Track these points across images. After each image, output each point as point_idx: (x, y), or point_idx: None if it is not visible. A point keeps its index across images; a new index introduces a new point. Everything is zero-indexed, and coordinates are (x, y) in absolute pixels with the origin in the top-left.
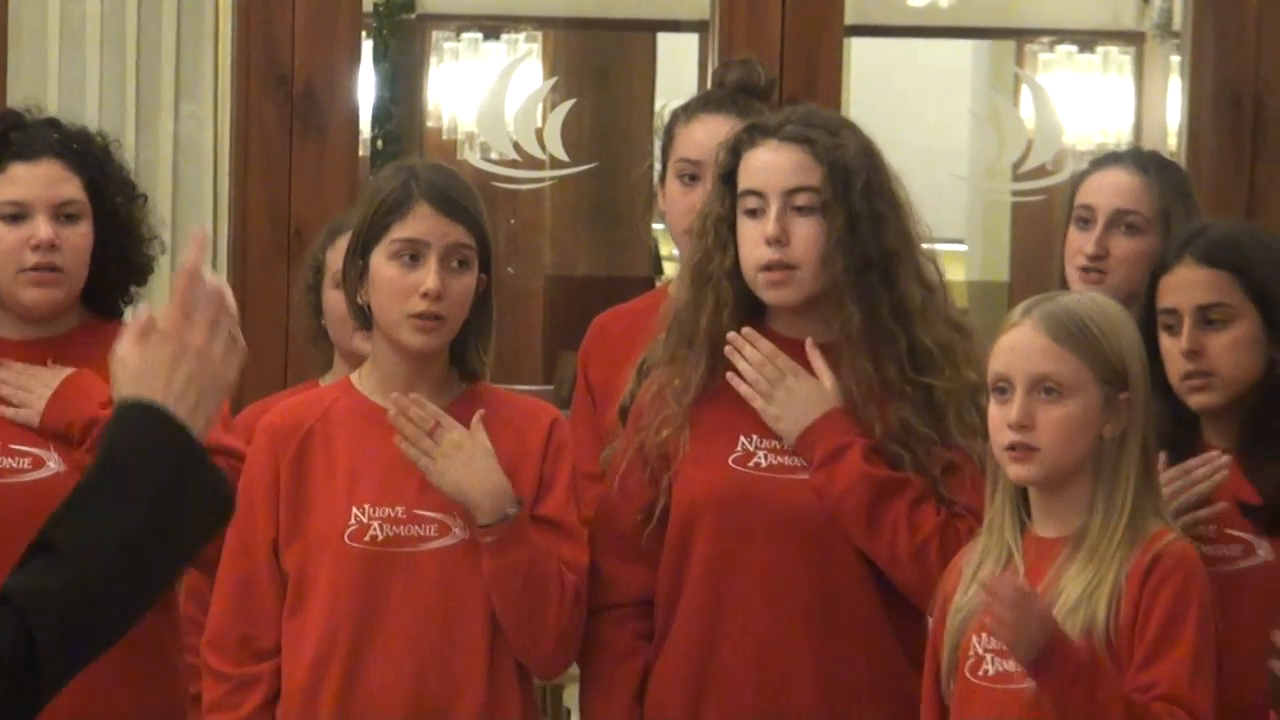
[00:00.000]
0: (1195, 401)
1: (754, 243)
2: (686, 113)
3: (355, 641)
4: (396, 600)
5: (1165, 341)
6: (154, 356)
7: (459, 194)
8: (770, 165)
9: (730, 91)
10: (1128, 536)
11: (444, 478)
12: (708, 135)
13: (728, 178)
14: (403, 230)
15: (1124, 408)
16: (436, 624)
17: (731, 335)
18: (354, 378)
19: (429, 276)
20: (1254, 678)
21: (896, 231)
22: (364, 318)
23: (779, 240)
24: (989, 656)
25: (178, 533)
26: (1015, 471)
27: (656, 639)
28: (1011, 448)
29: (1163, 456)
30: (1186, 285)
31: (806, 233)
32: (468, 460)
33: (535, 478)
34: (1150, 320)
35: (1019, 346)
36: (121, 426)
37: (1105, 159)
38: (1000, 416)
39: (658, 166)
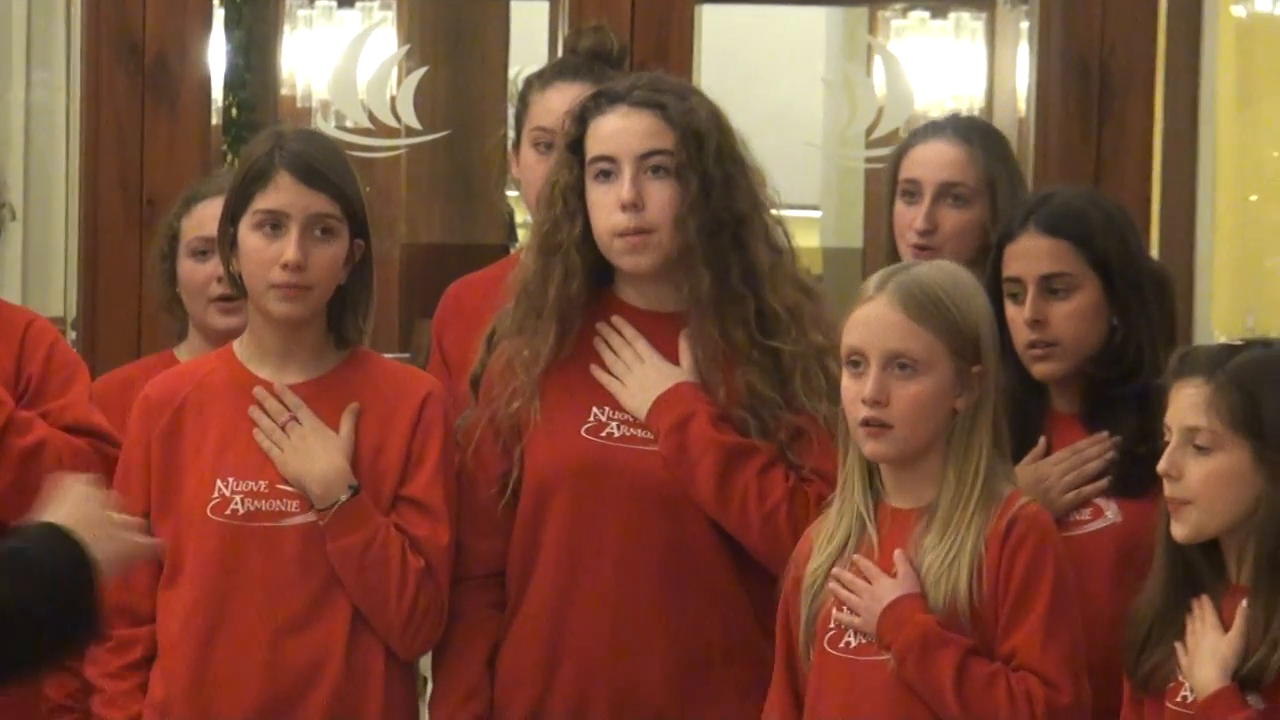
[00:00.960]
0: (1039, 371)
1: (607, 209)
2: (541, 81)
3: (214, 614)
4: (256, 574)
5: (1010, 309)
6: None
7: (322, 162)
8: (622, 130)
9: (584, 59)
10: (982, 504)
11: (287, 466)
12: (563, 103)
13: (574, 146)
14: (264, 201)
15: (976, 380)
16: (297, 598)
17: (601, 325)
18: (235, 346)
19: (289, 248)
20: (1105, 639)
21: (746, 195)
22: (239, 287)
23: (634, 205)
24: (849, 629)
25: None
26: (870, 448)
27: (510, 609)
28: (866, 423)
29: (1041, 441)
30: (1030, 254)
31: (661, 196)
32: (310, 447)
33: (402, 455)
34: (996, 288)
35: (874, 322)
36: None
37: (926, 130)
38: (854, 390)
39: (511, 134)
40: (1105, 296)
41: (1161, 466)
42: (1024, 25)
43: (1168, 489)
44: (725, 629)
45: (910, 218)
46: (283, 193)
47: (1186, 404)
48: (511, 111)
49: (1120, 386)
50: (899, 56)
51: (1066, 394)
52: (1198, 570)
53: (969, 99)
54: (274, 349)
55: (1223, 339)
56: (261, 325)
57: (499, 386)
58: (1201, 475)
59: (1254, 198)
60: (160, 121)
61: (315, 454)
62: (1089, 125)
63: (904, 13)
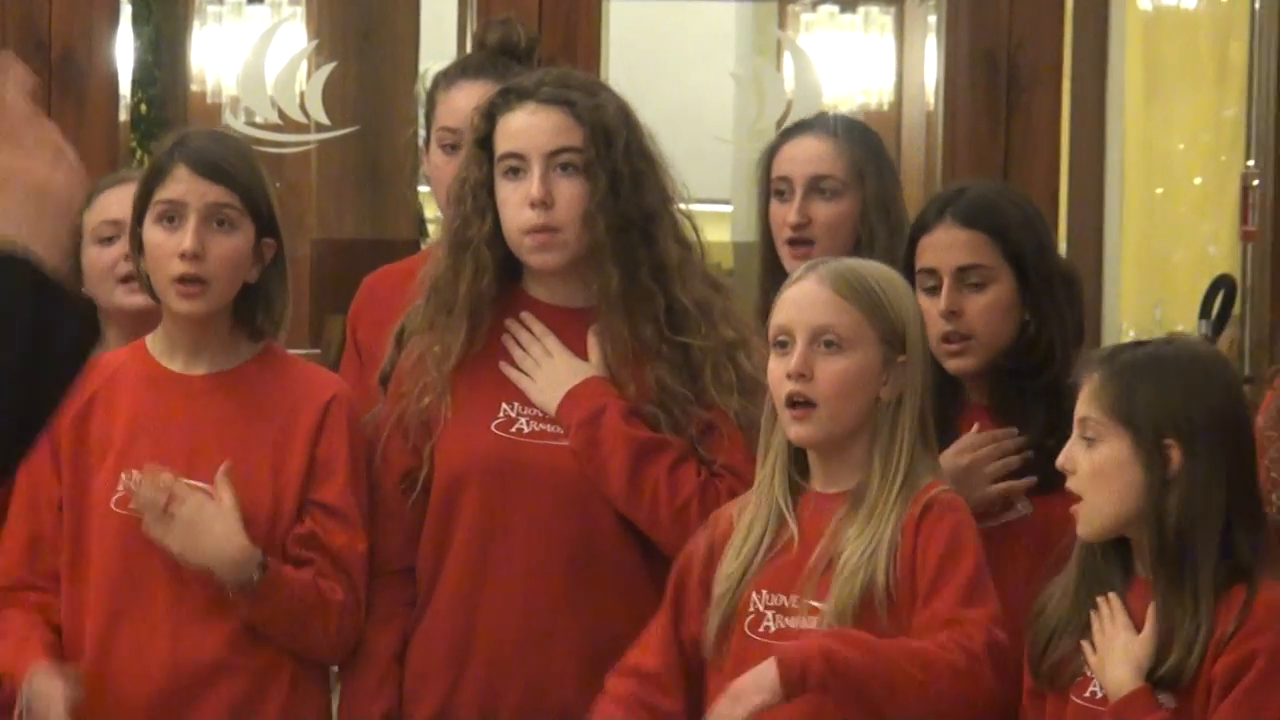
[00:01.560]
0: (953, 365)
1: (516, 206)
2: (447, 79)
3: (113, 608)
4: (156, 569)
5: (924, 301)
6: None
7: (221, 156)
8: (531, 127)
9: (490, 54)
10: (903, 495)
11: (185, 556)
12: (469, 102)
13: (483, 142)
14: (162, 193)
15: (901, 371)
16: (202, 592)
17: (510, 322)
18: (147, 340)
19: (186, 237)
20: (1014, 630)
21: (655, 191)
22: (151, 290)
23: (543, 202)
24: (769, 613)
25: (51, 364)
26: (795, 432)
27: (420, 604)
28: (791, 402)
29: (975, 425)
30: (946, 246)
31: (570, 193)
32: (205, 530)
33: (305, 459)
34: (909, 282)
35: (802, 299)
36: None
37: (792, 129)
38: (780, 369)
39: (422, 132)
40: (1018, 291)
41: (1060, 460)
42: (932, 20)
43: (1068, 482)
44: (634, 623)
45: (784, 214)
46: (179, 184)
47: (1084, 397)
48: (422, 108)
49: (1030, 381)
50: (808, 51)
51: (977, 387)
52: (1106, 567)
53: (878, 93)
54: (183, 343)
55: (1131, 332)
56: (170, 321)
57: (409, 383)
58: (1089, 467)
59: (1160, 191)
60: (67, 118)
61: (215, 534)
62: (997, 119)
63: (813, 7)
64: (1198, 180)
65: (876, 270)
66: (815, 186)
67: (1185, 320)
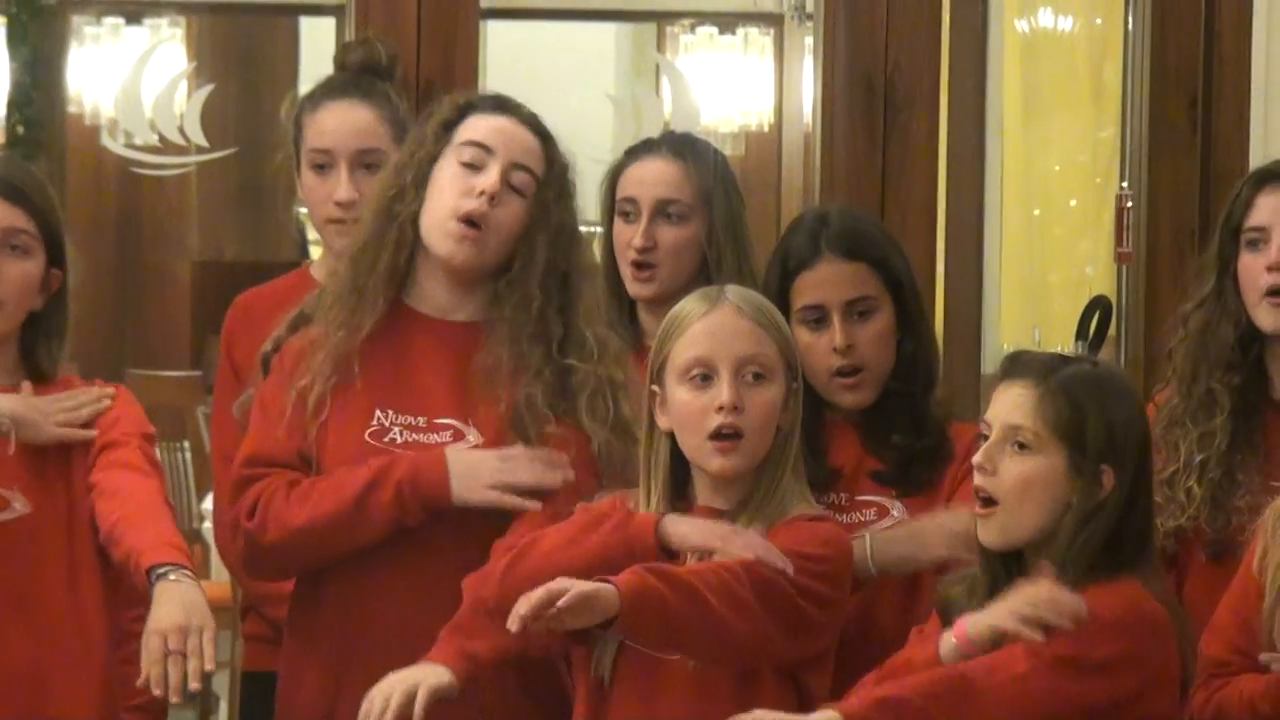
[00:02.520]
0: (848, 400)
1: (459, 191)
2: (313, 102)
3: None
4: None
5: (807, 337)
6: None
7: (19, 181)
8: (503, 130)
9: (353, 74)
10: (766, 516)
11: None
12: (336, 122)
13: (449, 125)
14: None
15: (795, 399)
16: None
17: None
18: None
19: None
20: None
21: (580, 240)
22: None
23: (492, 198)
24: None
25: None
26: (721, 464)
27: (295, 622)
28: (720, 435)
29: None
30: (832, 281)
31: (514, 209)
32: None
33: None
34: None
35: (723, 330)
36: None
37: (639, 148)
38: (701, 402)
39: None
40: (896, 316)
41: (977, 459)
42: (809, 41)
43: (977, 479)
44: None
45: (629, 236)
46: None
47: (1012, 403)
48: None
49: (898, 398)
50: (686, 73)
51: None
52: (1001, 578)
53: (758, 114)
54: None
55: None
56: None
57: (303, 364)
58: (1016, 473)
59: (1038, 212)
60: None
61: None
62: (874, 140)
63: (692, 29)
64: (1074, 201)
65: (761, 298)
66: (662, 210)
67: (1063, 340)
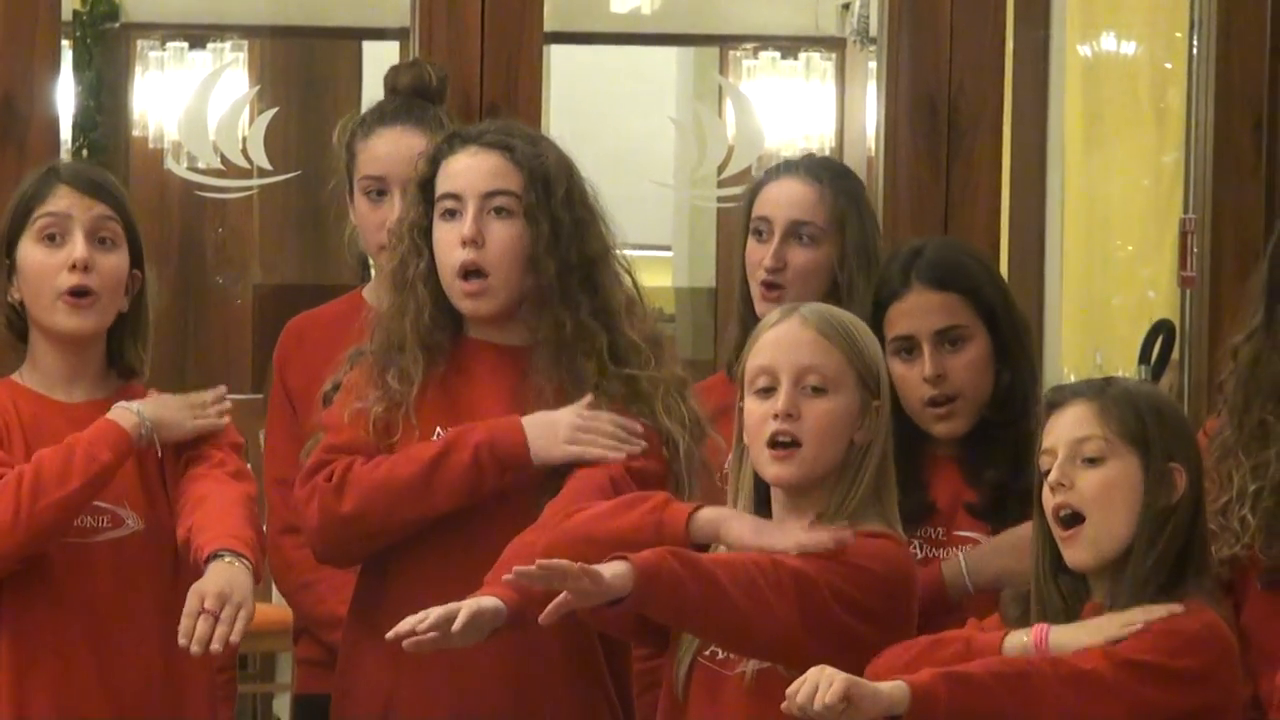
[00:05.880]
0: (942, 430)
1: (450, 245)
2: (364, 128)
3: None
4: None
5: (899, 368)
6: None
7: (100, 176)
8: (469, 169)
9: (404, 98)
10: None
11: None
12: (388, 149)
13: (425, 185)
14: (44, 208)
15: (875, 416)
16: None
17: None
18: (15, 376)
19: (76, 247)
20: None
21: (597, 238)
22: (19, 320)
23: (474, 241)
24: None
25: None
26: (775, 472)
27: (354, 623)
28: (775, 442)
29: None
30: (922, 310)
31: (502, 235)
32: None
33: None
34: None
35: (785, 340)
36: None
37: (779, 168)
38: (762, 410)
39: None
40: (992, 345)
41: (1053, 478)
42: (872, 65)
43: (1058, 498)
44: (565, 649)
45: (760, 255)
46: (62, 199)
47: (1073, 421)
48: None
49: (1001, 431)
50: (749, 96)
51: (946, 441)
52: (1056, 600)
53: (819, 138)
54: (58, 372)
55: (1072, 377)
56: (45, 350)
57: (369, 390)
58: (1096, 482)
59: (1100, 236)
60: (8, 164)
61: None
62: (938, 164)
63: (754, 53)
64: (1137, 226)
65: (847, 315)
66: (794, 231)
67: (1125, 365)
